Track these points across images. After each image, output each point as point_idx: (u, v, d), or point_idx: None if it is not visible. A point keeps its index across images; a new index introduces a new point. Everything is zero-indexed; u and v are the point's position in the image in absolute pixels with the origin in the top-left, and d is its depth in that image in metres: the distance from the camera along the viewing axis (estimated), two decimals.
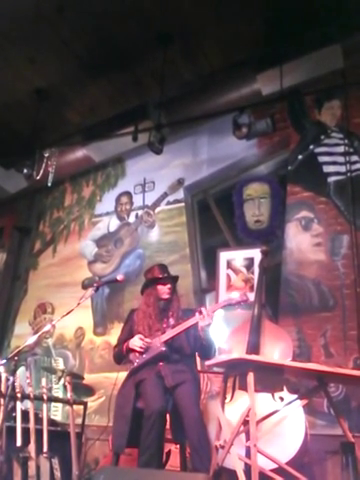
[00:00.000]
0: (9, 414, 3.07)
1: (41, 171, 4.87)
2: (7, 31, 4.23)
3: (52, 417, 4.07)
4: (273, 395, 2.96)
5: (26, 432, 3.05)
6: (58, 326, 4.59)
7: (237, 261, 4.29)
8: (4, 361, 2.89)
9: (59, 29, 4.23)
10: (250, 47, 4.30)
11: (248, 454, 2.36)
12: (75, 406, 3.56)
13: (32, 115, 4.88)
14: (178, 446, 3.00)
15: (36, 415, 3.20)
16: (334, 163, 4.14)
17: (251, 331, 3.17)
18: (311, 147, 4.31)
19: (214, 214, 4.64)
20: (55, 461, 3.10)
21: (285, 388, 3.01)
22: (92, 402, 4.36)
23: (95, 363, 4.72)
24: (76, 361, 4.85)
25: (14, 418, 3.11)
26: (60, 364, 4.90)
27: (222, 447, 2.46)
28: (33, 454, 2.97)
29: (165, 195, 5.05)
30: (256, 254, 3.90)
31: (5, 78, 4.75)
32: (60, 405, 4.50)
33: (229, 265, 4.31)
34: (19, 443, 2.98)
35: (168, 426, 2.80)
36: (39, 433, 3.11)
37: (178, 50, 4.42)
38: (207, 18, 4.11)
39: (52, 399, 3.87)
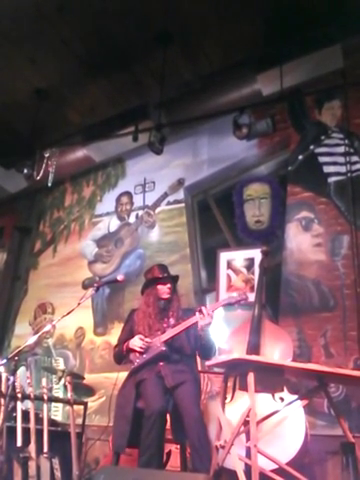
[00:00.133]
0: (9, 414, 3.07)
1: (41, 171, 4.87)
2: (7, 31, 4.23)
3: (52, 417, 4.07)
4: (273, 395, 2.96)
5: (26, 432, 3.05)
6: (58, 326, 4.59)
7: (237, 261, 4.29)
8: (4, 361, 2.88)
9: (59, 29, 4.23)
10: (250, 47, 4.30)
11: (248, 454, 2.36)
12: (75, 406, 3.56)
13: (32, 115, 4.88)
14: (178, 446, 3.00)
15: (36, 415, 3.20)
16: (334, 163, 4.14)
17: (251, 331, 3.18)
18: (311, 147, 4.31)
19: (214, 214, 4.64)
20: (55, 461, 3.10)
21: (285, 388, 3.01)
22: (92, 402, 4.36)
23: (95, 363, 4.72)
24: (76, 361, 4.85)
25: (14, 418, 3.11)
26: (60, 364, 4.90)
27: (222, 447, 2.46)
28: (33, 454, 2.98)
29: (165, 195, 5.05)
30: (256, 254, 3.91)
31: (5, 78, 4.75)
32: (60, 405, 4.50)
33: (229, 265, 4.31)
34: (19, 443, 2.98)
35: (168, 426, 2.80)
36: (39, 433, 3.11)
37: (178, 50, 4.42)
38: (207, 18, 4.11)
39: (52, 399, 3.87)
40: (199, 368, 3.15)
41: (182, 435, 2.75)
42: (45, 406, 3.26)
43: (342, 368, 2.64)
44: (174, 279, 3.23)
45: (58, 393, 4.55)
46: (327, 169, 4.17)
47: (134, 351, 3.00)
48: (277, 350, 3.13)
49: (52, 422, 3.60)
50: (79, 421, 3.73)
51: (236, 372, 2.88)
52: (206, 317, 2.88)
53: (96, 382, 4.44)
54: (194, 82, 4.77)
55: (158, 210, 5.05)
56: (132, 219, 5.22)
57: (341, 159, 4.12)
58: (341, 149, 4.16)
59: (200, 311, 2.91)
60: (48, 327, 3.16)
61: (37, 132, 4.89)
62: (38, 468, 2.97)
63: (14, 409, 3.14)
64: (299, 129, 4.44)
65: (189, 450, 2.72)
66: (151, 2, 3.95)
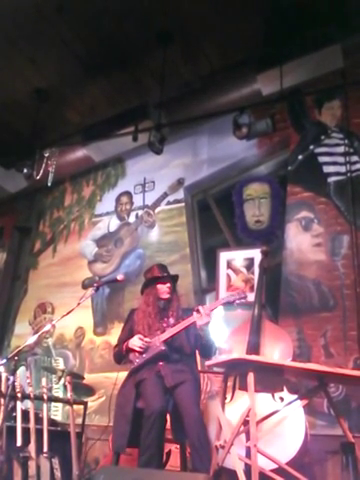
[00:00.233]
0: (9, 414, 3.07)
1: (41, 171, 4.87)
2: (7, 31, 4.23)
3: (52, 417, 4.07)
4: (273, 395, 2.96)
5: (26, 432, 3.05)
6: (58, 326, 4.59)
7: (237, 261, 4.29)
8: (4, 361, 2.88)
9: (59, 29, 4.23)
10: (250, 47, 4.30)
11: (248, 454, 2.36)
12: (75, 406, 3.56)
13: (32, 115, 4.88)
14: (178, 446, 3.00)
15: (36, 415, 3.20)
16: (334, 163, 4.14)
17: (251, 331, 3.18)
18: (311, 147, 4.31)
19: (214, 214, 4.64)
20: (55, 461, 3.10)
21: (285, 388, 3.02)
22: (92, 402, 4.36)
23: (95, 363, 4.72)
24: (76, 361, 4.85)
25: (14, 418, 3.11)
26: (60, 364, 4.90)
27: (222, 447, 2.46)
28: (33, 454, 2.97)
29: (165, 195, 5.05)
30: (256, 254, 3.91)
31: (5, 78, 4.75)
32: (60, 405, 4.50)
33: (229, 265, 4.31)
34: (19, 443, 2.98)
35: (168, 426, 2.80)
36: (39, 433, 3.11)
37: (178, 50, 4.42)
38: (207, 18, 4.11)
39: (52, 399, 3.87)
40: (199, 368, 3.15)
41: (182, 435, 2.75)
42: (45, 406, 3.26)
43: (342, 368, 2.64)
44: (174, 279, 3.23)
45: (58, 393, 4.55)
46: (327, 169, 4.17)
47: (134, 351, 3.00)
48: (277, 350, 3.13)
49: (52, 422, 3.60)
50: (79, 421, 3.73)
51: (236, 372, 2.89)
52: (204, 316, 2.88)
53: (96, 382, 4.44)
54: (194, 82, 4.77)
55: (158, 210, 5.05)
56: (132, 219, 5.22)
57: (341, 159, 4.12)
58: (341, 149, 4.16)
59: (197, 311, 2.91)
60: (48, 327, 3.16)
61: (37, 132, 4.89)
62: (38, 468, 2.97)
63: (14, 409, 3.14)
64: (299, 129, 4.44)
65: (189, 450, 2.72)
66: (151, 2, 3.95)
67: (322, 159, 4.23)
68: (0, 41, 4.34)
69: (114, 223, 5.34)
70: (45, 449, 3.07)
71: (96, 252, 5.32)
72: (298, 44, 4.05)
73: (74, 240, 5.56)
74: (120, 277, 3.23)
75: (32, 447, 3.00)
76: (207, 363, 2.69)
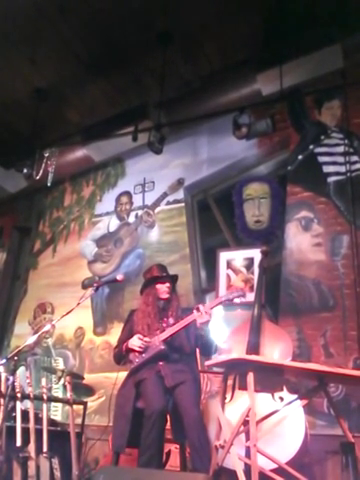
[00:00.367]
0: (9, 414, 3.06)
1: (41, 171, 4.87)
2: (7, 31, 4.23)
3: (52, 417, 4.07)
4: (273, 395, 2.96)
5: (26, 432, 3.05)
6: (58, 326, 4.58)
7: (237, 261, 4.29)
8: (4, 361, 2.88)
9: (59, 29, 4.23)
10: (250, 47, 4.31)
11: (248, 454, 2.36)
12: (75, 406, 3.56)
13: (32, 115, 4.88)
14: (178, 446, 3.00)
15: (36, 415, 3.20)
16: (334, 163, 4.14)
17: (251, 331, 3.17)
18: (311, 147, 4.32)
19: (214, 214, 4.64)
20: (55, 461, 3.09)
21: (285, 388, 3.01)
22: (92, 402, 4.36)
23: (95, 363, 4.72)
24: (76, 361, 4.85)
25: (14, 418, 3.11)
26: (60, 364, 4.90)
27: (222, 447, 2.46)
28: (33, 454, 2.97)
29: (165, 195, 5.05)
30: (256, 254, 3.90)
31: (5, 78, 4.75)
32: (60, 405, 4.50)
33: (229, 265, 4.31)
34: (19, 443, 2.98)
35: (168, 426, 2.80)
36: (39, 433, 3.10)
37: (178, 50, 4.42)
38: (207, 18, 4.11)
39: (52, 399, 3.87)
40: (199, 368, 3.15)
41: (182, 435, 2.75)
42: (45, 406, 3.26)
43: (342, 368, 2.64)
44: (173, 278, 3.23)
45: (58, 393, 4.55)
46: (327, 169, 4.17)
47: (133, 351, 3.00)
48: (277, 350, 3.13)
49: (52, 422, 3.60)
50: (79, 421, 3.73)
51: (236, 372, 2.88)
52: (203, 315, 2.89)
53: (96, 382, 4.44)
54: (194, 82, 4.77)
55: (158, 210, 5.05)
56: (132, 219, 5.22)
57: (341, 159, 4.12)
58: (341, 149, 4.16)
59: (197, 309, 2.91)
60: (48, 327, 3.16)
61: (37, 132, 4.89)
62: (38, 468, 2.97)
63: (13, 409, 3.13)
64: (299, 129, 4.44)
65: (189, 450, 2.72)
66: (151, 2, 3.95)
67: (322, 159, 4.23)
68: (0, 41, 4.34)
69: (114, 223, 5.34)
70: (45, 449, 3.07)
71: (96, 252, 5.32)
72: (298, 44, 4.05)
73: (74, 240, 5.56)
74: (120, 277, 3.23)
75: (32, 447, 3.00)
76: (207, 363, 2.69)
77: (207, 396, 3.87)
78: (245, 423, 2.37)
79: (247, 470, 2.25)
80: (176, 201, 4.96)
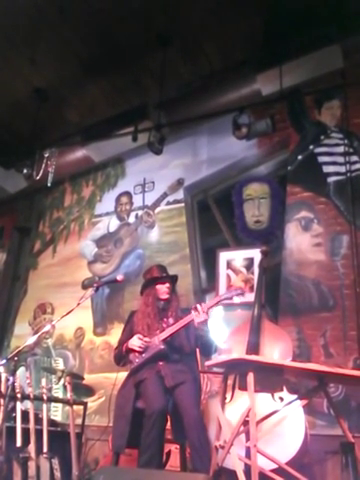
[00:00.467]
0: (9, 414, 3.07)
1: (41, 171, 4.87)
2: (7, 31, 4.24)
3: (52, 417, 4.07)
4: (273, 395, 2.96)
5: (26, 432, 3.05)
6: (58, 326, 4.58)
7: (237, 261, 4.29)
8: (4, 361, 2.88)
9: (59, 29, 4.23)
10: (250, 47, 4.31)
11: (248, 454, 2.36)
12: (75, 406, 3.56)
13: (32, 115, 4.88)
14: (178, 446, 3.00)
15: (36, 415, 3.20)
16: (334, 163, 4.14)
17: (251, 331, 3.17)
18: (311, 147, 4.32)
19: (214, 214, 4.64)
20: (55, 461, 3.09)
21: (285, 388, 3.01)
22: (92, 402, 4.36)
23: (95, 363, 4.72)
24: (76, 361, 4.85)
25: (14, 418, 3.11)
26: (60, 364, 4.90)
27: (222, 447, 2.46)
28: (33, 454, 2.97)
29: (165, 195, 5.05)
30: (256, 254, 3.91)
31: (5, 78, 4.76)
32: (60, 405, 4.50)
33: (229, 265, 4.31)
34: (19, 443, 2.98)
35: (168, 426, 2.80)
36: (39, 433, 3.10)
37: (178, 50, 4.42)
38: (207, 18, 4.11)
39: (52, 399, 3.86)
40: (199, 368, 3.15)
41: (182, 435, 2.75)
42: (45, 406, 3.26)
43: (342, 368, 2.64)
44: (173, 279, 3.23)
45: (58, 393, 4.55)
46: (326, 169, 4.17)
47: (133, 351, 3.00)
48: (277, 350, 3.13)
49: (52, 422, 3.60)
50: (79, 421, 3.72)
51: (236, 372, 2.88)
52: (201, 314, 2.89)
53: (96, 382, 4.44)
54: (194, 82, 4.77)
55: (158, 210, 5.05)
56: (132, 219, 5.22)
57: (340, 159, 4.12)
58: (340, 149, 4.16)
59: (195, 309, 2.91)
60: (48, 327, 3.16)
61: (37, 132, 4.89)
62: (38, 468, 2.97)
63: (14, 409, 3.13)
64: (299, 129, 4.44)
65: (189, 450, 2.72)
66: (151, 2, 3.96)
67: (322, 159, 4.23)
68: (0, 41, 4.34)
69: (114, 223, 5.34)
70: (45, 449, 3.07)
71: (96, 252, 5.32)
72: (298, 44, 4.06)
73: (74, 240, 5.56)
74: (120, 277, 3.23)
75: (32, 447, 3.00)
76: (207, 363, 2.69)
77: (207, 396, 3.87)
78: (245, 423, 2.37)
79: (247, 470, 2.25)
80: (176, 201, 4.96)
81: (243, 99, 4.33)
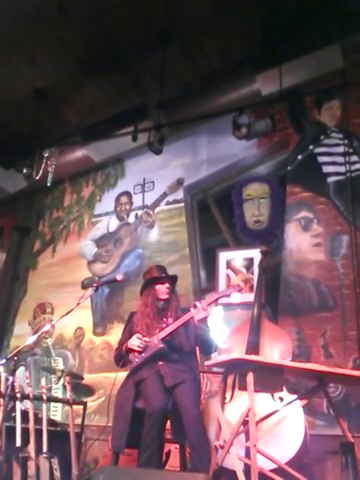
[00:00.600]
0: (9, 414, 3.06)
1: (41, 171, 4.87)
2: (7, 31, 4.23)
3: (52, 417, 4.06)
4: (273, 395, 2.96)
5: (26, 432, 3.04)
6: (57, 326, 4.58)
7: (237, 261, 4.29)
8: (4, 361, 2.88)
9: (59, 29, 4.24)
10: (250, 47, 4.31)
11: (248, 454, 2.36)
12: (75, 406, 3.55)
13: (31, 115, 4.87)
14: (178, 446, 3.00)
15: (36, 415, 3.20)
16: (334, 163, 4.15)
17: (251, 331, 3.18)
18: (311, 147, 4.32)
19: (214, 214, 4.64)
20: (55, 461, 3.09)
21: (285, 388, 3.01)
22: (92, 402, 4.36)
23: (95, 363, 4.72)
24: (76, 361, 4.85)
25: (14, 418, 3.10)
26: (60, 364, 4.90)
27: (222, 447, 2.45)
28: (33, 454, 2.97)
29: (165, 195, 5.05)
30: (256, 254, 3.91)
31: (5, 78, 4.76)
32: (60, 405, 4.50)
33: (229, 265, 4.31)
34: (19, 443, 2.97)
35: (168, 426, 2.80)
36: (39, 433, 3.10)
37: (178, 50, 4.42)
38: (207, 18, 4.11)
39: (52, 399, 3.86)
40: (199, 367, 3.15)
41: (182, 435, 2.75)
42: (44, 406, 3.25)
43: (341, 368, 2.64)
44: (172, 279, 3.23)
45: (57, 393, 4.55)
46: (326, 169, 4.17)
47: (133, 351, 2.99)
48: (276, 350, 3.13)
49: (51, 422, 3.59)
50: (78, 421, 3.72)
51: (235, 372, 2.88)
52: (201, 311, 2.89)
53: (95, 382, 4.44)
54: (194, 82, 4.77)
55: (157, 210, 5.05)
56: (131, 219, 5.22)
57: (340, 159, 4.13)
58: (340, 149, 4.16)
59: (194, 306, 2.91)
60: (47, 327, 3.16)
61: (36, 132, 4.89)
62: (37, 468, 2.97)
63: (13, 409, 3.13)
64: (298, 129, 4.44)
65: (189, 450, 2.72)
66: (151, 2, 3.96)
67: (321, 159, 4.23)
68: (0, 41, 4.33)
69: (113, 223, 5.34)
70: (44, 449, 3.06)
71: (95, 252, 5.32)
72: (298, 44, 4.06)
73: (73, 240, 5.56)
74: (119, 277, 3.23)
75: (31, 447, 2.99)
76: (207, 363, 2.69)
77: (207, 396, 3.87)
78: (245, 423, 2.37)
79: (247, 470, 2.25)
80: (176, 201, 4.96)
81: (243, 99, 4.33)
